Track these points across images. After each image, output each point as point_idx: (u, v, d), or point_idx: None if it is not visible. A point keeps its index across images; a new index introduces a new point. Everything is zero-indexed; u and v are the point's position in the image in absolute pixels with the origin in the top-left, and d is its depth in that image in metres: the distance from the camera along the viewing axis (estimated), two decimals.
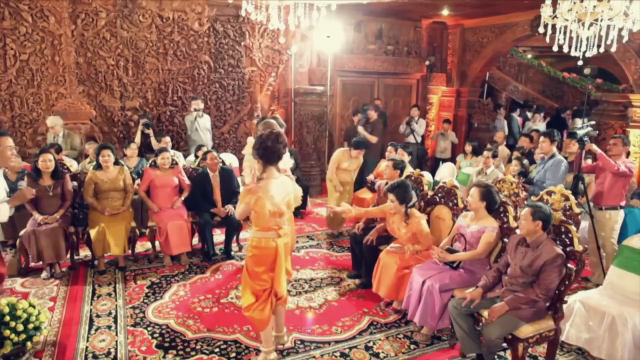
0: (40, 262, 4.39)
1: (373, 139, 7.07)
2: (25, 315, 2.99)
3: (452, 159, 7.70)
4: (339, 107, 9.01)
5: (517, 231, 3.30)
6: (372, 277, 4.02)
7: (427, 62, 9.46)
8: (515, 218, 3.49)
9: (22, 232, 4.36)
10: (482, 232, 3.43)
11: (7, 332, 2.88)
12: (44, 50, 6.34)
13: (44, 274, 4.43)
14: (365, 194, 5.98)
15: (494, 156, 5.86)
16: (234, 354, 3.27)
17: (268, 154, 2.90)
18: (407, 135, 8.40)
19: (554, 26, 4.30)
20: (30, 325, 3.00)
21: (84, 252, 4.92)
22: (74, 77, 6.59)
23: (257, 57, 7.71)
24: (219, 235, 5.40)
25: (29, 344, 3.03)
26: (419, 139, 8.46)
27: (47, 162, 4.48)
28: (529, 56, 13.13)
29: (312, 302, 4.08)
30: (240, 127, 7.75)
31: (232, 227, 5.02)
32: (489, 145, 6.28)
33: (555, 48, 4.42)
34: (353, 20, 8.70)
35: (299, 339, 3.47)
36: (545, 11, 4.29)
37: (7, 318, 2.91)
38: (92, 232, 4.47)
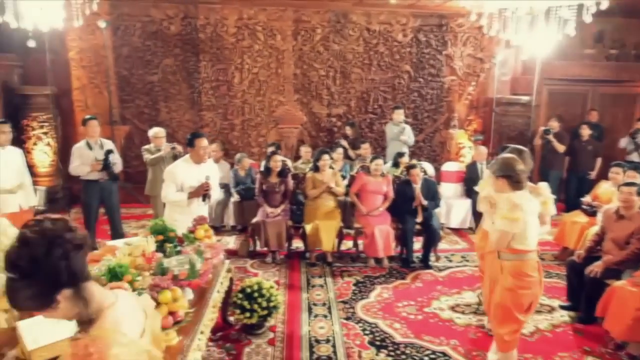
0: (266, 248, 5.11)
1: (561, 148, 6.95)
2: (268, 294, 3.52)
3: None
4: (543, 118, 8.24)
5: None
6: (600, 310, 3.58)
7: None
8: None
9: (253, 220, 5.13)
10: None
11: (255, 306, 3.42)
12: (271, 64, 7.33)
13: (267, 259, 5.13)
14: (578, 217, 5.34)
15: None
16: None
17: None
18: (629, 152, 7.22)
19: None
20: (272, 304, 3.51)
21: (296, 244, 5.52)
22: (291, 87, 7.47)
23: (458, 66, 7.58)
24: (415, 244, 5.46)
25: (268, 318, 3.56)
26: None
27: (276, 162, 5.21)
28: None
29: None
30: (435, 137, 7.73)
31: (433, 237, 5.04)
32: None
33: None
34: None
35: None
36: None
37: (256, 294, 3.47)
38: (308, 228, 5.01)
